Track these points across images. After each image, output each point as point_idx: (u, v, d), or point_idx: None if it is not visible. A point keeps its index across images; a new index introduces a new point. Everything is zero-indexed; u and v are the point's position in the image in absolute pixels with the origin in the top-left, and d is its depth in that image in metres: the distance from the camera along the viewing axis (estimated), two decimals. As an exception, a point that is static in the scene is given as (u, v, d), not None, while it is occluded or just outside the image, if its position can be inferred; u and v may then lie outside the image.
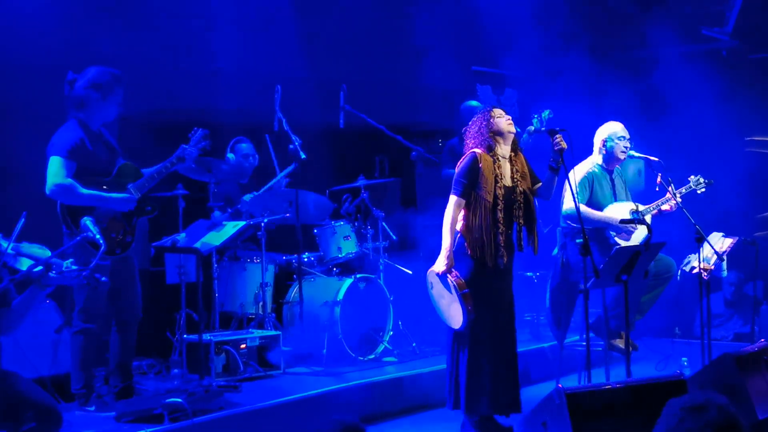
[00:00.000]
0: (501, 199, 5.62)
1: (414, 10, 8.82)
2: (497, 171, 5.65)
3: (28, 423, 4.03)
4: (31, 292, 4.08)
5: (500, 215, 5.61)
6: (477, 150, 5.68)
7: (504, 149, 5.74)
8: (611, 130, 7.03)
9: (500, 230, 5.60)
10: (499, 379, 5.66)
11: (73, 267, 4.12)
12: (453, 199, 5.65)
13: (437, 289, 5.72)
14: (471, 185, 5.61)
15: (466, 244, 5.63)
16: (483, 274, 5.61)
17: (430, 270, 5.71)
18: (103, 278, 4.17)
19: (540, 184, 5.83)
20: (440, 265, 5.59)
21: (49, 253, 4.19)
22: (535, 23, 9.06)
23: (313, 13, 8.59)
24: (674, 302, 7.62)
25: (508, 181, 5.68)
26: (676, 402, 2.80)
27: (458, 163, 5.76)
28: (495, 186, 5.61)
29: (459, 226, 5.65)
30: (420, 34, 8.90)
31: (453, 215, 5.62)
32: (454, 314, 5.61)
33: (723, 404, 2.76)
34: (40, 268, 4.08)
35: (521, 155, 5.85)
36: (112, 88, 5.79)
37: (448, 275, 5.55)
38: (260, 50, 8.23)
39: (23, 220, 4.06)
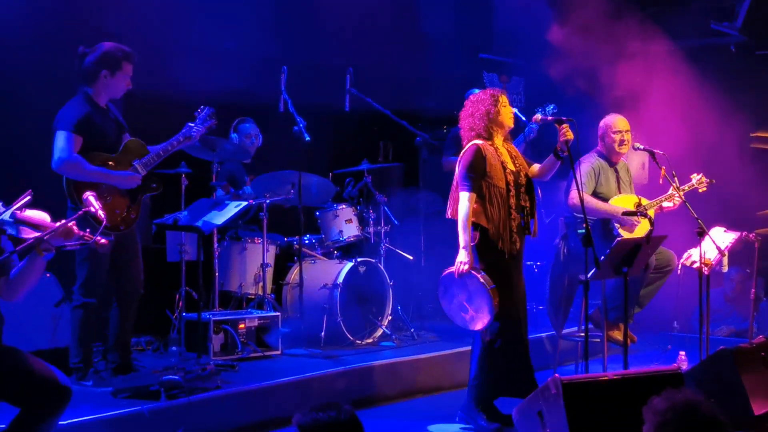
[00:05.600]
0: (512, 185, 5.63)
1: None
2: (501, 158, 5.65)
3: (35, 399, 4.03)
4: (30, 259, 4.05)
5: (513, 201, 5.62)
6: (477, 141, 5.67)
7: (499, 138, 5.75)
8: (609, 123, 7.04)
9: (513, 216, 5.61)
10: (523, 365, 5.69)
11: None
12: (465, 195, 5.57)
13: (453, 292, 5.63)
14: (480, 177, 5.58)
15: (484, 236, 5.58)
16: (502, 264, 5.60)
17: (446, 272, 5.63)
18: (103, 240, 4.13)
19: (537, 166, 5.84)
20: (462, 263, 5.50)
21: (48, 219, 4.16)
22: (543, 12, 9.03)
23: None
24: (674, 296, 7.61)
25: (512, 167, 5.69)
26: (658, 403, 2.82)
27: (460, 158, 5.72)
28: (504, 172, 5.61)
29: (474, 219, 5.58)
30: (428, 19, 8.87)
31: (467, 211, 5.53)
32: (477, 313, 5.54)
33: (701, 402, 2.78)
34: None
35: (512, 144, 5.87)
36: (122, 66, 5.77)
37: (473, 272, 5.49)
38: (268, 31, 8.21)
39: (29, 197, 4.04)
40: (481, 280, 5.46)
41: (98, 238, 4.13)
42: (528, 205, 5.72)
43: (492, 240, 5.56)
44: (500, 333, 5.63)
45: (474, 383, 5.73)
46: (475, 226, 5.60)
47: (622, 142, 6.96)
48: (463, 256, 5.51)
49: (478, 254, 5.61)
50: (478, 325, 5.58)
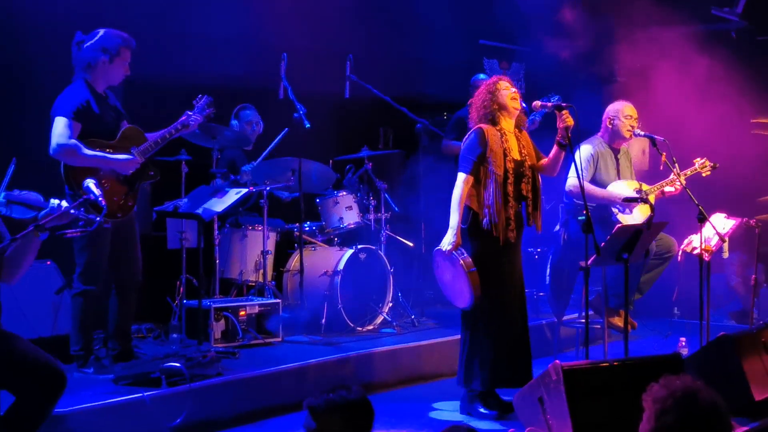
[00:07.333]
0: (511, 172, 5.61)
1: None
2: (505, 145, 5.63)
3: (30, 385, 4.03)
4: (24, 239, 4.01)
5: (510, 189, 5.60)
6: (482, 125, 5.67)
7: (508, 123, 5.73)
8: (618, 108, 7.02)
9: (510, 204, 5.60)
10: (512, 353, 5.67)
11: (65, 205, 4.07)
12: (461, 176, 5.60)
13: (443, 268, 5.70)
14: (479, 161, 5.58)
15: (476, 220, 5.60)
16: (493, 250, 5.59)
17: (436, 248, 5.68)
18: (98, 218, 4.12)
19: (545, 160, 5.80)
20: (447, 243, 5.56)
21: (41, 198, 4.14)
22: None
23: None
24: (674, 282, 7.61)
25: (516, 155, 5.67)
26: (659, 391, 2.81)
27: (464, 140, 5.73)
28: (505, 159, 5.60)
29: (468, 202, 5.62)
30: (428, 5, 8.85)
31: (461, 192, 5.57)
32: (460, 293, 5.59)
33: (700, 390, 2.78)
34: (33, 214, 4.04)
35: (525, 133, 5.85)
36: (120, 52, 5.75)
37: (455, 253, 5.53)
38: (267, 18, 8.18)
39: (13, 166, 3.98)
40: (461, 262, 5.50)
41: (92, 216, 4.11)
42: (530, 196, 5.71)
43: (483, 225, 5.57)
44: (482, 319, 5.64)
45: (461, 369, 5.74)
46: (469, 209, 5.62)
47: (631, 127, 6.95)
48: (449, 236, 5.56)
49: (469, 237, 5.62)
50: (461, 304, 5.65)
